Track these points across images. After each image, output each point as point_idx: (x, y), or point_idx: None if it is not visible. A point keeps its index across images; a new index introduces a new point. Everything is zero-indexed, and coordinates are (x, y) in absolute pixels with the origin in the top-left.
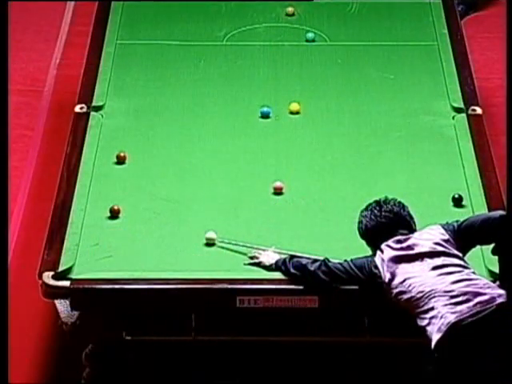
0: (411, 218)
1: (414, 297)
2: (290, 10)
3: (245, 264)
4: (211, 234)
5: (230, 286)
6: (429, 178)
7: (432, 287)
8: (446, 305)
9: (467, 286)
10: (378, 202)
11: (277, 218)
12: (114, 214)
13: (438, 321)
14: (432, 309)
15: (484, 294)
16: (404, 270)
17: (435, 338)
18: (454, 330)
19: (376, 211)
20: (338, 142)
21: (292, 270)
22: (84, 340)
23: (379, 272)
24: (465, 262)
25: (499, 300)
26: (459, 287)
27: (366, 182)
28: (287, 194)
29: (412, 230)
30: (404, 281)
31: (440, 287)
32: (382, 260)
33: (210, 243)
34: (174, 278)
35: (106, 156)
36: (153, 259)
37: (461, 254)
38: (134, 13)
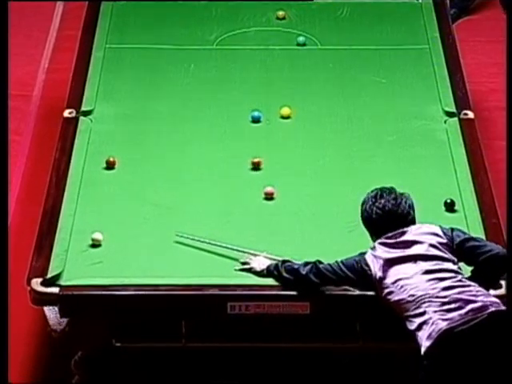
0: (409, 213)
1: (404, 299)
2: (280, 13)
3: (236, 270)
4: (97, 235)
5: (220, 292)
6: (421, 182)
7: (424, 292)
8: (437, 311)
9: (460, 292)
10: (375, 194)
11: (268, 223)
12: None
13: (429, 327)
14: (423, 314)
15: (476, 301)
16: (396, 271)
17: (425, 344)
18: (444, 338)
19: (370, 203)
20: (330, 146)
21: (284, 274)
22: (73, 347)
23: (370, 270)
24: (459, 267)
25: (491, 308)
26: (452, 294)
27: (357, 186)
28: (278, 198)
29: (411, 223)
30: (395, 282)
31: (432, 292)
32: (374, 257)
33: (96, 244)
34: (163, 283)
35: (96, 161)
36: (143, 265)
37: (455, 259)
38: (124, 16)
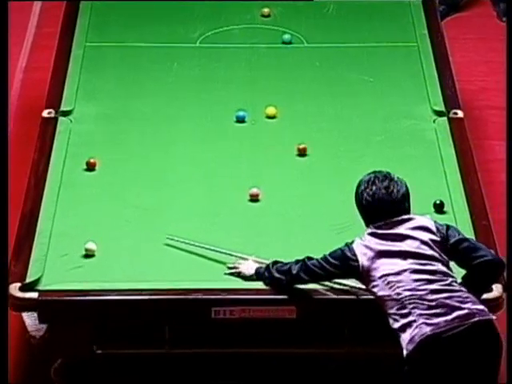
0: (401, 202)
1: (390, 296)
2: (265, 10)
3: (225, 274)
4: (91, 245)
5: (204, 297)
6: (410, 183)
7: (411, 292)
8: (422, 314)
9: (447, 297)
10: (368, 179)
11: (253, 225)
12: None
13: (412, 330)
14: (407, 315)
15: (463, 308)
16: (384, 265)
17: (407, 347)
18: (426, 344)
19: (362, 188)
20: (317, 146)
21: (276, 275)
22: (53, 354)
23: (356, 260)
24: (449, 269)
25: (477, 317)
26: (439, 298)
27: (345, 187)
28: (264, 200)
29: (404, 213)
30: (383, 276)
31: (419, 293)
32: (363, 246)
33: (89, 254)
34: (146, 288)
35: (76, 162)
36: (125, 269)
37: (447, 259)
38: (104, 14)
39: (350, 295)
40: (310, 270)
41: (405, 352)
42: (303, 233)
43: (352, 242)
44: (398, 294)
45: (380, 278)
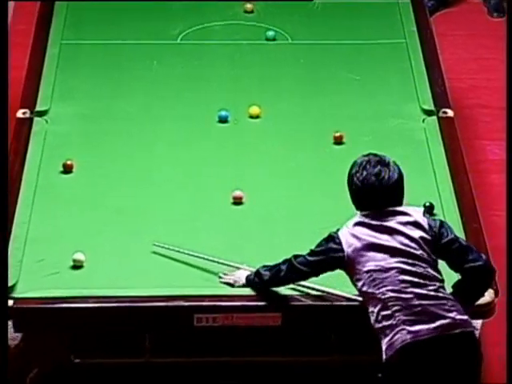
0: (392, 191)
1: (373, 294)
2: (248, 6)
3: (220, 282)
4: (79, 256)
5: (186, 304)
6: None
7: (396, 294)
8: (405, 320)
9: (432, 304)
10: (361, 163)
11: (237, 229)
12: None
13: (393, 335)
14: (390, 317)
15: (447, 317)
16: (371, 260)
17: (386, 352)
18: (406, 351)
19: (354, 171)
20: (302, 147)
21: (266, 278)
22: (29, 364)
23: (341, 250)
24: (438, 271)
25: (459, 329)
26: (424, 304)
27: (331, 189)
28: (247, 203)
29: (395, 202)
30: (368, 272)
31: (404, 297)
32: (351, 235)
33: (77, 265)
34: (126, 295)
35: (52, 165)
36: (103, 275)
37: (436, 260)
38: (81, 11)
39: (337, 301)
40: (296, 269)
41: (384, 356)
42: (288, 237)
43: (338, 230)
44: (383, 293)
45: (366, 272)
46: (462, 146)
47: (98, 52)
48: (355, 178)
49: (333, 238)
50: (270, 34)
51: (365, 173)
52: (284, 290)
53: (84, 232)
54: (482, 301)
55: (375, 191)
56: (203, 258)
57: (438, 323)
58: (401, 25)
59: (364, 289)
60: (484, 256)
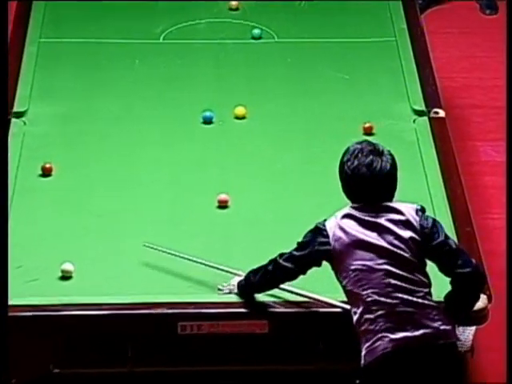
0: (382, 184)
1: (358, 294)
2: (233, 3)
3: (218, 294)
4: (68, 266)
5: (170, 311)
6: None
7: (382, 298)
8: (388, 327)
9: (417, 313)
10: (353, 151)
11: (222, 234)
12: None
13: (374, 342)
14: (373, 322)
15: (430, 327)
16: (359, 259)
17: (365, 358)
18: (386, 359)
19: (345, 159)
20: (289, 148)
21: (254, 281)
22: (6, 374)
23: (329, 243)
24: (425, 275)
25: (442, 341)
26: (409, 311)
27: (319, 192)
28: (233, 207)
29: (386, 196)
30: (355, 270)
31: (390, 302)
32: (339, 228)
33: (66, 276)
34: (107, 302)
35: (30, 168)
36: (84, 282)
37: (425, 262)
38: (60, 8)
39: (326, 308)
40: (282, 267)
41: (362, 361)
42: (275, 242)
43: (325, 220)
44: (368, 296)
45: (351, 270)
46: (454, 148)
47: (78, 50)
48: (346, 167)
49: (320, 230)
50: (256, 32)
51: (356, 162)
52: (271, 297)
53: (64, 237)
54: (475, 307)
55: (366, 182)
56: (194, 261)
57: (421, 332)
58: (391, 22)
59: (349, 287)
60: (474, 261)
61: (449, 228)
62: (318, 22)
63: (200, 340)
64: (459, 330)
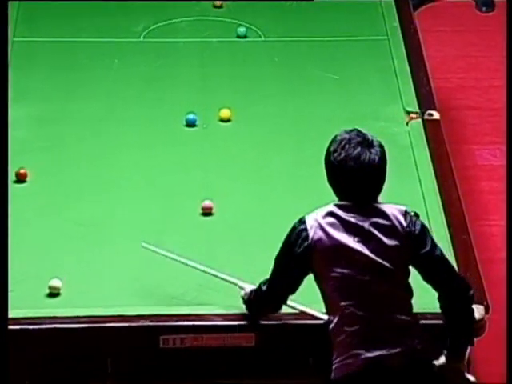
0: (370, 181)
1: (336, 304)
2: (217, 1)
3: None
4: (55, 282)
5: (151, 324)
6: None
7: (360, 313)
8: (362, 343)
9: (395, 330)
10: (341, 140)
11: (206, 243)
12: None
13: (346, 357)
14: (349, 336)
15: (408, 344)
16: (340, 267)
17: (335, 372)
18: (357, 376)
19: (332, 149)
20: (276, 152)
21: (249, 305)
22: None
23: (309, 244)
24: (408, 287)
25: (419, 359)
26: (387, 327)
27: (308, 197)
28: (218, 214)
29: (373, 191)
30: (334, 278)
31: (368, 317)
32: (321, 232)
33: (54, 293)
34: (84, 315)
35: None
36: (60, 294)
37: (409, 272)
38: (35, 5)
39: (315, 320)
40: (270, 284)
41: (332, 374)
42: (263, 251)
43: (304, 218)
44: (346, 308)
45: (331, 278)
46: (448, 151)
47: (54, 50)
48: (332, 158)
49: (299, 230)
50: (241, 30)
51: (343, 154)
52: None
53: (39, 246)
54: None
55: (352, 176)
56: (192, 267)
57: (397, 350)
58: (382, 20)
59: (327, 293)
60: (460, 277)
61: (444, 235)
62: (307, 19)
63: (183, 354)
64: None
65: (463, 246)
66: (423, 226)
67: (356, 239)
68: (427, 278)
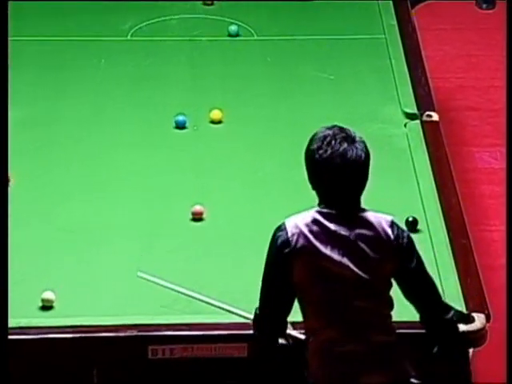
0: (358, 175)
1: (312, 323)
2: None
3: None
4: (48, 295)
5: (139, 334)
6: (377, 197)
7: (339, 336)
8: (338, 370)
9: (373, 352)
10: (324, 137)
11: (196, 249)
12: None
13: (319, 380)
14: (323, 363)
15: (389, 368)
16: (321, 282)
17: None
18: None
19: (315, 145)
20: (270, 155)
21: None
22: None
23: (289, 246)
24: (389, 303)
25: (401, 380)
26: (366, 352)
27: (303, 201)
28: (209, 219)
29: (354, 195)
30: (318, 296)
31: (347, 341)
32: (301, 236)
33: (46, 306)
34: (70, 325)
35: None
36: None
37: (391, 285)
38: (20, 4)
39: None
40: (256, 316)
41: None
42: (255, 258)
43: (284, 224)
44: (322, 331)
45: (315, 295)
46: (448, 154)
47: (41, 49)
48: (317, 155)
49: (279, 237)
50: (233, 28)
51: (329, 150)
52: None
53: (22, 253)
54: (471, 327)
55: (339, 173)
56: (193, 297)
57: (377, 371)
58: (379, 18)
59: (306, 309)
60: (442, 299)
61: (443, 240)
62: (301, 17)
63: (173, 365)
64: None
65: (463, 251)
66: (410, 239)
67: (341, 252)
68: (410, 293)
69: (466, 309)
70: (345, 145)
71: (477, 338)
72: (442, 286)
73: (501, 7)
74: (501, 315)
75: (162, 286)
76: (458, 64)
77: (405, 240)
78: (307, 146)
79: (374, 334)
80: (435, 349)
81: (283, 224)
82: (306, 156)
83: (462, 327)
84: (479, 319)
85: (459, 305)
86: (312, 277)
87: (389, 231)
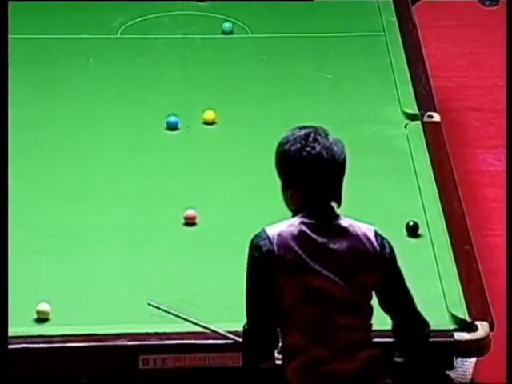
0: (342, 177)
1: (300, 343)
2: None
3: None
4: (44, 306)
5: (130, 343)
6: (377, 200)
7: (324, 354)
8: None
9: (360, 373)
10: (306, 134)
11: (189, 254)
12: None
13: None
14: (309, 375)
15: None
16: (304, 311)
17: None
18: None
19: (298, 145)
20: (265, 157)
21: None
22: None
23: (274, 254)
24: (370, 316)
25: None
26: (350, 371)
27: None
28: (201, 224)
29: (333, 197)
30: (301, 314)
31: (332, 357)
32: (283, 245)
33: (42, 318)
34: (58, 334)
35: None
36: (31, 311)
37: (371, 295)
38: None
39: None
40: (245, 332)
41: None
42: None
43: (266, 235)
44: (305, 346)
45: (298, 312)
46: (450, 155)
47: (27, 48)
48: (304, 153)
49: (261, 246)
50: (227, 26)
51: (318, 147)
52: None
53: (11, 259)
54: (475, 336)
55: (328, 170)
56: (203, 327)
57: None
58: (379, 14)
59: (284, 322)
60: (420, 312)
61: (445, 246)
62: (297, 14)
63: (164, 375)
64: (457, 362)
65: (465, 257)
66: (392, 249)
67: (330, 267)
68: (388, 304)
69: (469, 317)
70: (330, 139)
71: (480, 347)
72: (443, 293)
73: (504, 4)
74: (503, 322)
75: (172, 314)
76: (460, 62)
77: (387, 250)
78: (286, 149)
79: (359, 351)
80: (396, 354)
81: (264, 232)
82: (289, 157)
83: (465, 336)
84: (482, 327)
85: (462, 313)
86: (300, 294)
87: (374, 242)
